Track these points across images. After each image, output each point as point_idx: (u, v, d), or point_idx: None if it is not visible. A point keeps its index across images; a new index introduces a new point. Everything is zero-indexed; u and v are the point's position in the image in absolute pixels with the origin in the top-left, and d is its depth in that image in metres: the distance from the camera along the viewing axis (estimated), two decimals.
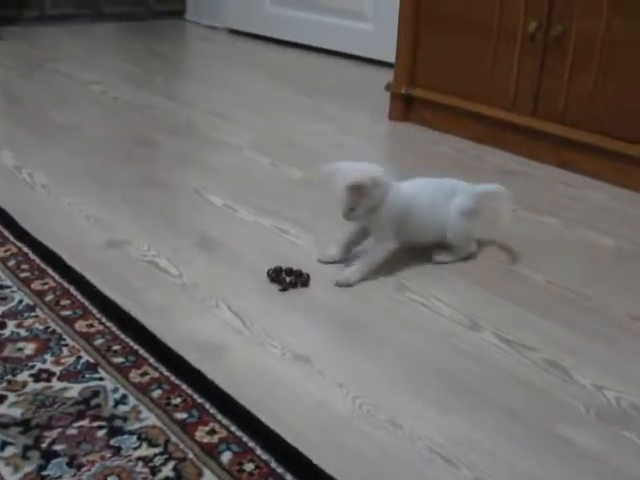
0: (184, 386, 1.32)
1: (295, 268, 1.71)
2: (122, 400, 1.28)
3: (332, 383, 1.37)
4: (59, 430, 1.20)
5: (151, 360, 1.39)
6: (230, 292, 1.66)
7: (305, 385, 1.36)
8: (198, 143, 2.70)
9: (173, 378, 1.34)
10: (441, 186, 1.83)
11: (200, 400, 1.29)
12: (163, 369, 1.36)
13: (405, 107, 3.02)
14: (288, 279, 1.68)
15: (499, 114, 2.70)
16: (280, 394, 1.33)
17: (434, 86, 2.90)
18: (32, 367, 1.35)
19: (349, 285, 1.70)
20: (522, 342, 1.54)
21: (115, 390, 1.30)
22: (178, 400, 1.28)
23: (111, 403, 1.27)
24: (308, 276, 1.69)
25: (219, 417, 1.25)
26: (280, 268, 1.70)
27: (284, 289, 1.65)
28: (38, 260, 1.73)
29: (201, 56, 4.34)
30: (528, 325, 1.61)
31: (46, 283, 1.64)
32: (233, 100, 3.26)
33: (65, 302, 1.57)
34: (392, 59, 3.06)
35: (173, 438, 1.20)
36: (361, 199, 1.66)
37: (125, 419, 1.23)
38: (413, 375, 1.42)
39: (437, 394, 1.37)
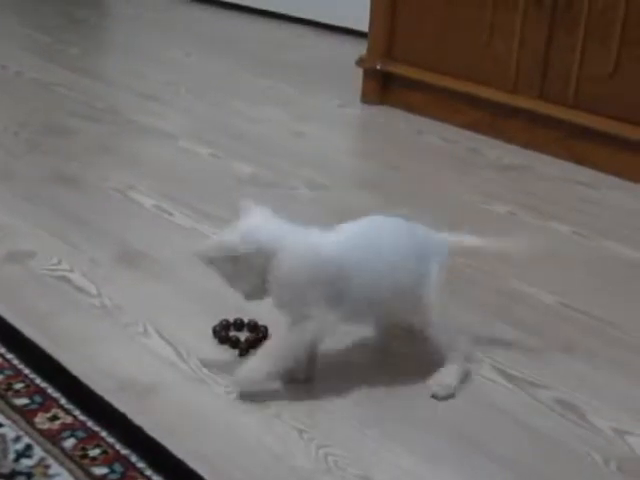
0: (104, 434, 1.31)
1: (247, 319, 1.63)
2: (26, 452, 1.26)
3: (290, 429, 1.36)
4: None
5: (62, 401, 1.37)
6: (162, 316, 1.65)
7: (256, 432, 1.35)
8: (122, 130, 2.68)
9: (90, 424, 1.33)
10: (408, 233, 1.48)
11: (124, 451, 1.27)
12: (77, 412, 1.35)
13: (381, 87, 3.03)
14: (243, 337, 1.59)
15: (497, 96, 2.72)
16: (225, 443, 1.32)
17: (417, 61, 2.92)
18: None
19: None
20: (527, 378, 1.54)
21: (17, 439, 1.29)
22: (97, 451, 1.27)
23: (11, 456, 1.25)
24: (266, 329, 1.60)
25: (148, 473, 1.23)
26: (227, 322, 1.62)
27: (243, 355, 1.55)
28: None
29: (128, 23, 4.33)
30: (535, 357, 1.61)
31: None
32: (167, 78, 3.25)
33: None
34: (365, 27, 3.07)
35: None
36: (240, 271, 1.39)
37: (29, 476, 1.21)
38: (392, 419, 1.42)
39: (422, 442, 1.36)
